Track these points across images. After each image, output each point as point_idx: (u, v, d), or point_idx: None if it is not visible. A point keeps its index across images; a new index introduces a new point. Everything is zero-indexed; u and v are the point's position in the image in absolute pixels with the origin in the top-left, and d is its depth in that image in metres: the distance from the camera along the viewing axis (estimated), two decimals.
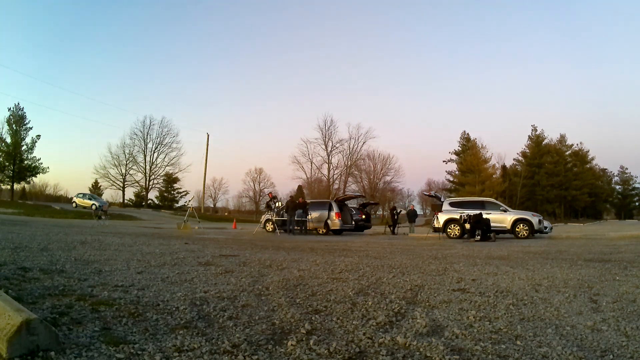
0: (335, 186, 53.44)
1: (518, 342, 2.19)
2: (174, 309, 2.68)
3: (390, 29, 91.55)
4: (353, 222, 17.43)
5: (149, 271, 4.22)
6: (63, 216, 23.59)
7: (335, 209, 15.84)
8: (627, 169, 65.09)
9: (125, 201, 48.94)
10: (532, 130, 56.18)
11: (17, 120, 38.36)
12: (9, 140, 38.09)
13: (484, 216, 12.75)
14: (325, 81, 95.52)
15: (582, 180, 54.19)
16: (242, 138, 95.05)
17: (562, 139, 57.27)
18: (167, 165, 50.77)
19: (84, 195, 35.46)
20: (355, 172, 55.82)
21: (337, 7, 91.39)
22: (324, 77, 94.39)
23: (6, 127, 38.01)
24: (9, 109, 38.29)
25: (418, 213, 32.42)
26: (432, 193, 21.04)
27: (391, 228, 19.28)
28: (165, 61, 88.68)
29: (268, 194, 18.04)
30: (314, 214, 16.08)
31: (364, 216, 18.91)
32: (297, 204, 16.03)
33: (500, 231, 13.57)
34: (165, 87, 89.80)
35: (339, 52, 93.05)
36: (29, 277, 3.54)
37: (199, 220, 21.06)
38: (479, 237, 12.11)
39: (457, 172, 53.12)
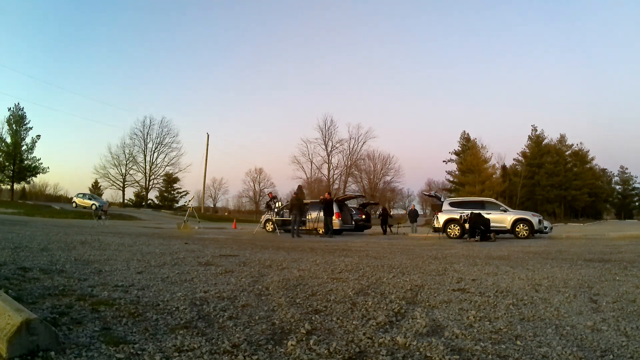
0: (335, 186, 53.45)
1: (518, 342, 2.19)
2: (174, 309, 2.68)
3: (390, 29, 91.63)
4: (353, 222, 17.40)
5: (149, 271, 4.22)
6: (63, 216, 23.60)
7: (335, 209, 15.79)
8: (627, 169, 65.26)
9: (125, 201, 48.94)
10: (532, 130, 56.27)
11: (17, 120, 38.35)
12: (9, 140, 38.10)
13: (483, 215, 12.73)
14: (325, 81, 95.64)
15: (582, 180, 54.19)
16: (242, 138, 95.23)
17: (562, 139, 57.34)
18: (167, 165, 50.87)
19: (84, 195, 35.51)
20: (355, 172, 55.95)
21: (337, 7, 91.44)
22: (324, 77, 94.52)
23: (6, 127, 38.06)
24: (9, 109, 38.34)
25: (418, 213, 32.45)
26: (432, 193, 21.05)
27: (382, 228, 19.58)
28: (165, 61, 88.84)
29: (268, 194, 18.02)
30: (313, 214, 16.02)
31: (364, 216, 18.90)
32: (323, 200, 14.72)
33: (500, 231, 13.57)
34: (165, 87, 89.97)
35: (339, 52, 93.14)
36: (29, 277, 3.54)
37: (199, 220, 21.05)
38: (478, 237, 12.10)
39: (457, 172, 53.11)
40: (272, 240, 11.11)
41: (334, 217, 15.04)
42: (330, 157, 55.03)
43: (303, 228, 16.03)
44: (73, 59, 79.78)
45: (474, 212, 12.84)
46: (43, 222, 16.06)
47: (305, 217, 15.31)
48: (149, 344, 1.98)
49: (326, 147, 54.92)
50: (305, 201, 16.08)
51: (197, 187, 57.97)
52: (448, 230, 14.22)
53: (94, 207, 30.82)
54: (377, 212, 21.04)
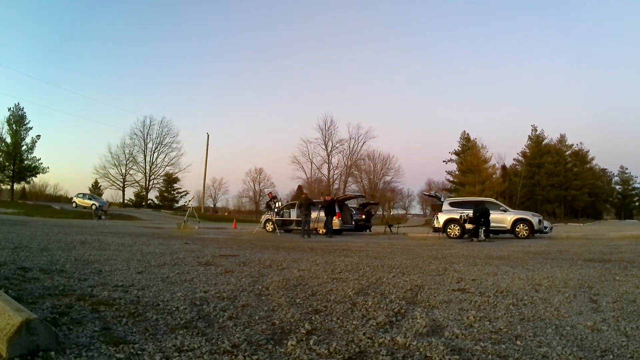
0: (335, 186, 53.43)
1: (518, 342, 2.19)
2: (174, 309, 2.68)
3: (390, 28, 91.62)
4: (353, 222, 17.39)
5: (149, 271, 4.22)
6: (63, 216, 23.60)
7: (335, 209, 15.74)
8: (627, 169, 65.14)
9: (125, 201, 48.91)
10: (532, 130, 56.20)
11: (17, 120, 38.30)
12: (9, 140, 38.03)
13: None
14: (325, 81, 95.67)
15: (582, 180, 54.16)
16: (242, 138, 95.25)
17: (562, 139, 57.29)
18: (167, 165, 50.78)
19: (84, 195, 35.47)
20: (355, 172, 55.86)
21: (337, 7, 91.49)
22: (324, 77, 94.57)
23: (6, 127, 37.97)
24: (9, 109, 38.25)
25: (418, 213, 32.54)
26: (432, 193, 21.04)
27: (380, 227, 20.24)
28: (165, 61, 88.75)
29: (268, 194, 18.00)
30: (313, 214, 15.96)
31: (364, 216, 18.90)
32: (326, 201, 14.54)
33: (500, 231, 13.56)
34: (165, 87, 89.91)
35: (339, 52, 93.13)
36: (29, 277, 3.54)
37: (199, 220, 21.05)
38: (482, 236, 12.05)
39: (457, 172, 53.09)
40: (272, 240, 11.11)
41: (334, 217, 14.96)
42: (330, 157, 55.02)
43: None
44: (73, 58, 79.80)
45: (479, 207, 12.74)
46: (43, 222, 16.06)
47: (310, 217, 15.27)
48: (149, 344, 1.98)
49: (326, 147, 54.91)
50: (314, 200, 15.97)
51: (197, 187, 58.00)
52: (448, 230, 14.22)
53: (94, 207, 30.78)
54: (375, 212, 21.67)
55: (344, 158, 55.62)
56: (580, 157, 57.11)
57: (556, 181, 52.57)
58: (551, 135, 56.97)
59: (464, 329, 2.41)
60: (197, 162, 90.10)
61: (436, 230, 14.79)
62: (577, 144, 57.80)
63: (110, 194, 50.49)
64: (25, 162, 38.70)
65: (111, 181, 48.81)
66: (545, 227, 14.45)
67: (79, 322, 2.26)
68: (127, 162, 49.19)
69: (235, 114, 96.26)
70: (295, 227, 16.30)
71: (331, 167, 55.19)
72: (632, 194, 65.96)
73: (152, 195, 51.52)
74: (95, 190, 48.38)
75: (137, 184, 50.31)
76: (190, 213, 19.25)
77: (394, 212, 67.41)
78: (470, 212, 13.05)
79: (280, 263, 5.26)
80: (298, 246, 8.56)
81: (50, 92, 75.54)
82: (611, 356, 2.03)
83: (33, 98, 65.66)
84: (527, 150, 56.08)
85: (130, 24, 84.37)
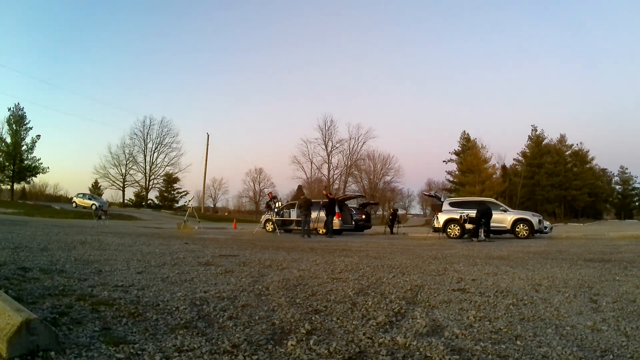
0: (335, 186, 53.39)
1: (518, 342, 2.19)
2: (174, 309, 2.68)
3: (391, 28, 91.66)
4: (353, 222, 17.38)
5: (149, 271, 4.22)
6: (63, 216, 23.60)
7: (335, 209, 15.72)
8: (627, 169, 65.20)
9: (125, 201, 48.90)
10: (532, 130, 56.18)
11: (17, 120, 38.29)
12: (9, 140, 38.03)
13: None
14: (325, 81, 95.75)
15: (582, 180, 54.15)
16: (242, 138, 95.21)
17: (562, 139, 57.27)
18: (167, 165, 50.77)
19: (84, 195, 35.48)
20: (355, 172, 55.86)
21: (337, 8, 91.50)
22: (324, 77, 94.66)
23: (6, 127, 37.97)
24: (9, 109, 38.24)
25: (418, 213, 32.55)
26: (432, 193, 21.06)
27: (390, 228, 20.27)
28: (165, 61, 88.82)
29: (268, 194, 17.99)
30: (313, 214, 15.93)
31: (364, 216, 18.90)
32: (328, 199, 14.68)
33: (500, 231, 13.56)
34: (165, 87, 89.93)
35: (339, 52, 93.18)
36: (29, 277, 3.54)
37: (199, 220, 21.05)
38: (482, 236, 12.03)
39: (457, 172, 53.07)
40: (272, 240, 11.11)
41: (334, 217, 14.93)
42: (330, 157, 55.03)
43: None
44: (73, 59, 79.87)
45: (482, 207, 12.68)
46: (43, 222, 16.06)
47: (310, 217, 15.24)
48: (149, 344, 1.98)
49: (326, 147, 54.92)
50: (313, 200, 16.00)
51: (197, 187, 57.95)
52: (448, 230, 14.22)
53: (94, 207, 30.77)
54: (397, 210, 22.13)
55: (344, 158, 55.69)
56: (580, 157, 57.09)
57: (556, 181, 52.56)
58: (551, 135, 57.03)
59: (464, 329, 2.41)
60: (197, 162, 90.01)
61: (436, 230, 14.79)
62: (577, 144, 57.87)
63: (110, 194, 50.55)
64: (25, 162, 38.69)
65: (111, 181, 48.85)
66: (545, 227, 14.45)
67: (79, 322, 2.26)
68: (127, 162, 49.22)
69: (235, 113, 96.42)
70: (295, 227, 16.29)
71: (331, 167, 55.25)
72: (632, 194, 65.98)
73: (152, 195, 51.60)
74: (95, 190, 48.37)
75: (137, 184, 50.34)
76: (190, 213, 19.24)
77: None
78: (469, 212, 13.05)
79: (280, 263, 5.26)
80: (298, 246, 8.56)
81: (50, 92, 75.45)
82: (611, 356, 2.03)
83: (33, 98, 65.89)
84: (527, 150, 56.06)
85: (130, 24, 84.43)
